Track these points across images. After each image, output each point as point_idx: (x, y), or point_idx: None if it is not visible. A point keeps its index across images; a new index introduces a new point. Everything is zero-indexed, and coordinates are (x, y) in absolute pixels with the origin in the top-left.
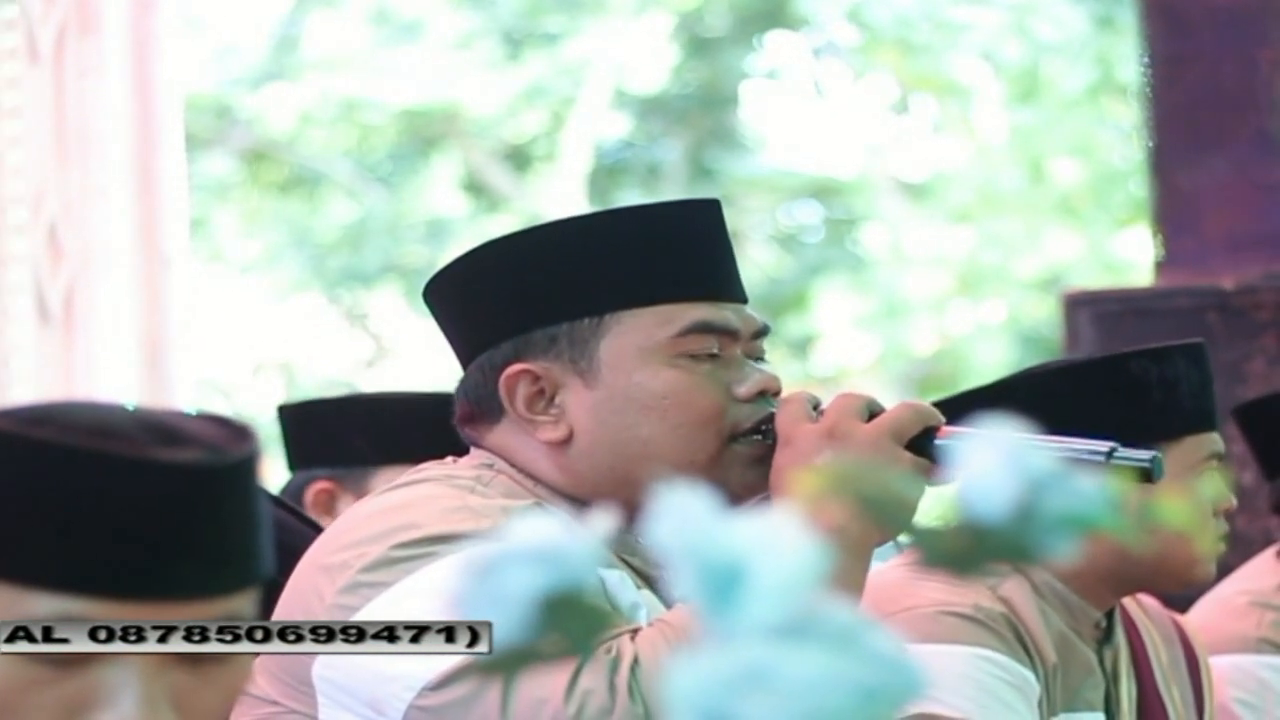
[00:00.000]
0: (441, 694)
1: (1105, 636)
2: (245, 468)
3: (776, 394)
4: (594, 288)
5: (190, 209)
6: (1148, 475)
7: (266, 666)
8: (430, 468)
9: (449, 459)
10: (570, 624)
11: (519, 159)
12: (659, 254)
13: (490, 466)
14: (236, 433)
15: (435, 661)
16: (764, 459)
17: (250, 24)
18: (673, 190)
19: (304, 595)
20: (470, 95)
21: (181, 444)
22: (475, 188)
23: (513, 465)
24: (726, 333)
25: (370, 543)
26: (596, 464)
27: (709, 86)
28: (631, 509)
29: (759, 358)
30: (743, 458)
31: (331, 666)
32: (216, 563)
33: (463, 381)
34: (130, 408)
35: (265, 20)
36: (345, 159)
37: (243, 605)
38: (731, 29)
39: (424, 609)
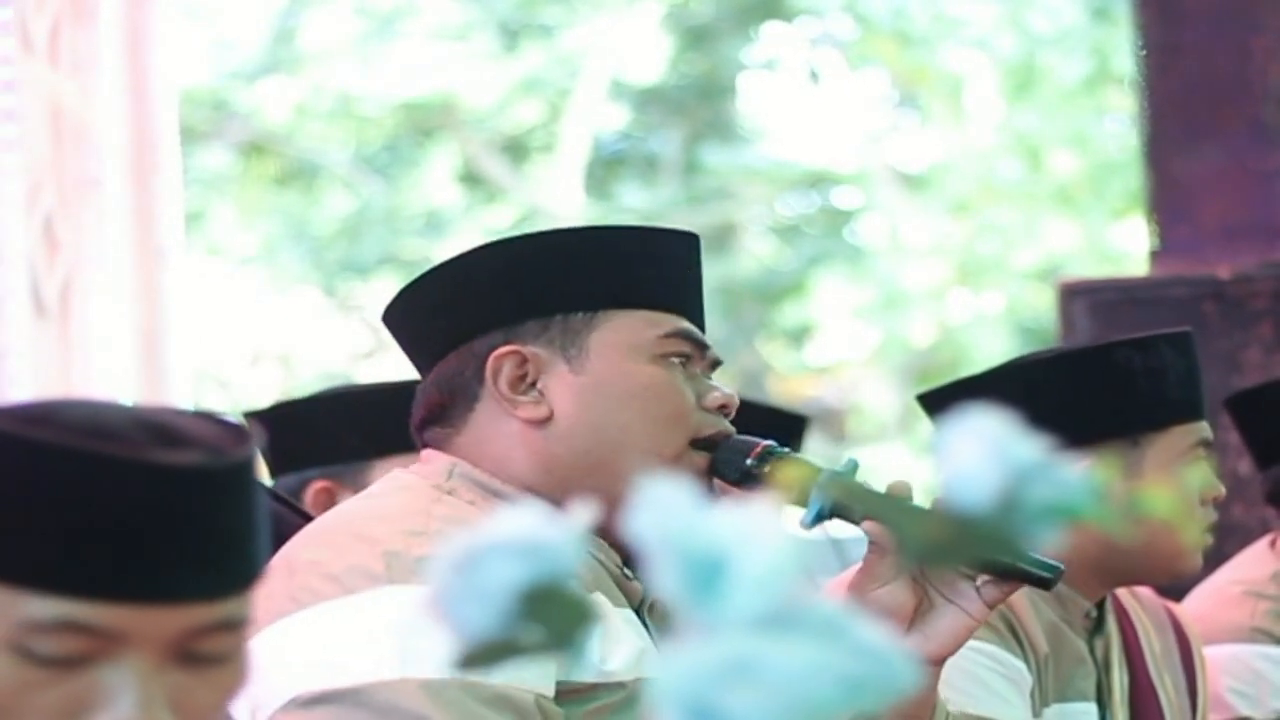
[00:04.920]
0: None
1: (1096, 626)
2: (244, 469)
3: (732, 413)
4: (590, 286)
5: (187, 202)
6: (1046, 583)
7: None
8: (388, 488)
9: (411, 468)
10: (551, 616)
11: (516, 150)
12: (650, 266)
13: (450, 474)
14: (235, 433)
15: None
16: (708, 471)
17: (247, 17)
18: (670, 181)
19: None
20: (467, 87)
21: (181, 445)
22: (472, 179)
23: (478, 464)
24: (700, 345)
25: (327, 551)
26: (573, 447)
27: (706, 77)
28: (600, 499)
29: None
30: (695, 464)
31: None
32: (215, 565)
33: (432, 377)
34: (129, 406)
35: (262, 13)
36: (342, 151)
37: (240, 608)
38: (728, 20)
39: (355, 635)
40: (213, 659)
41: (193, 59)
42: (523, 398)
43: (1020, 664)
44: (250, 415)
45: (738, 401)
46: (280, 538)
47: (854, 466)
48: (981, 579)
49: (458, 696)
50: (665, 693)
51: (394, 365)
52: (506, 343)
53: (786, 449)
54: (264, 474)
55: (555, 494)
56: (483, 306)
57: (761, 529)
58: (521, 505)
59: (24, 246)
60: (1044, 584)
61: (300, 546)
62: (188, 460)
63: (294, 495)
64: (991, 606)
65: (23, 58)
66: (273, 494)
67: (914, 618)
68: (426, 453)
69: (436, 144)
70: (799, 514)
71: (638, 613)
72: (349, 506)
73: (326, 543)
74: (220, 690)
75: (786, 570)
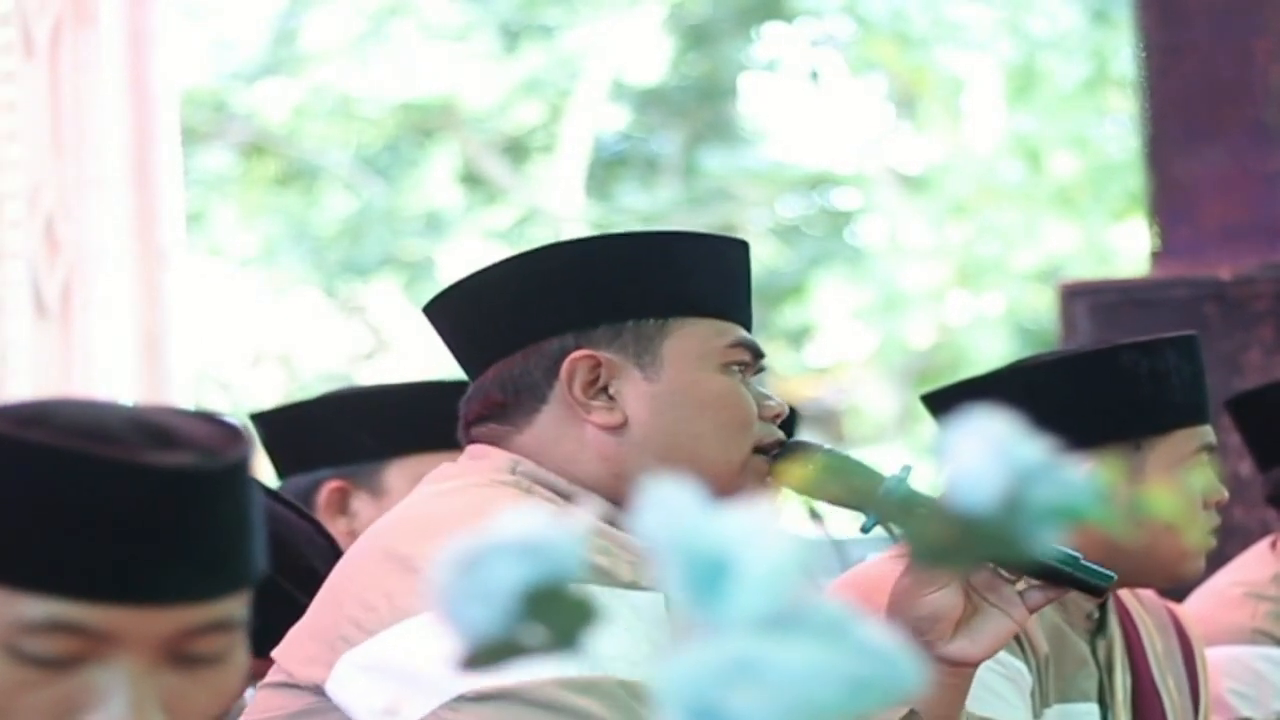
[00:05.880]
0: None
1: (1098, 627)
2: (238, 470)
3: (781, 421)
4: (661, 293)
5: (188, 203)
6: (1099, 591)
7: (307, 652)
8: (462, 472)
9: (459, 464)
10: (554, 617)
11: (517, 151)
12: (714, 274)
13: (513, 470)
14: (230, 434)
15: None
16: (769, 474)
17: (247, 17)
18: (671, 182)
19: (362, 579)
20: (467, 88)
21: (174, 446)
22: (473, 180)
23: (541, 464)
24: (757, 355)
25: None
26: (646, 453)
27: (706, 79)
28: None
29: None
30: (758, 469)
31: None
32: (208, 566)
33: (492, 375)
34: (124, 406)
35: (262, 14)
36: (343, 152)
37: (234, 608)
38: (728, 21)
39: None
40: (206, 660)
41: (193, 60)
42: (595, 402)
43: (1020, 664)
44: (259, 416)
45: (788, 410)
46: (281, 540)
47: (908, 472)
48: (1028, 584)
49: (615, 691)
50: (669, 693)
51: (394, 366)
52: (579, 346)
53: (845, 455)
54: (263, 474)
55: (621, 498)
56: (553, 308)
57: (765, 530)
58: (589, 505)
59: (25, 247)
60: (1097, 592)
61: (404, 540)
62: (180, 461)
63: (306, 495)
64: (1033, 611)
65: (24, 58)
66: (277, 496)
67: (960, 622)
68: (479, 448)
69: (437, 145)
70: (857, 518)
71: None
72: (432, 503)
73: (444, 540)
74: (214, 691)
75: (790, 571)
